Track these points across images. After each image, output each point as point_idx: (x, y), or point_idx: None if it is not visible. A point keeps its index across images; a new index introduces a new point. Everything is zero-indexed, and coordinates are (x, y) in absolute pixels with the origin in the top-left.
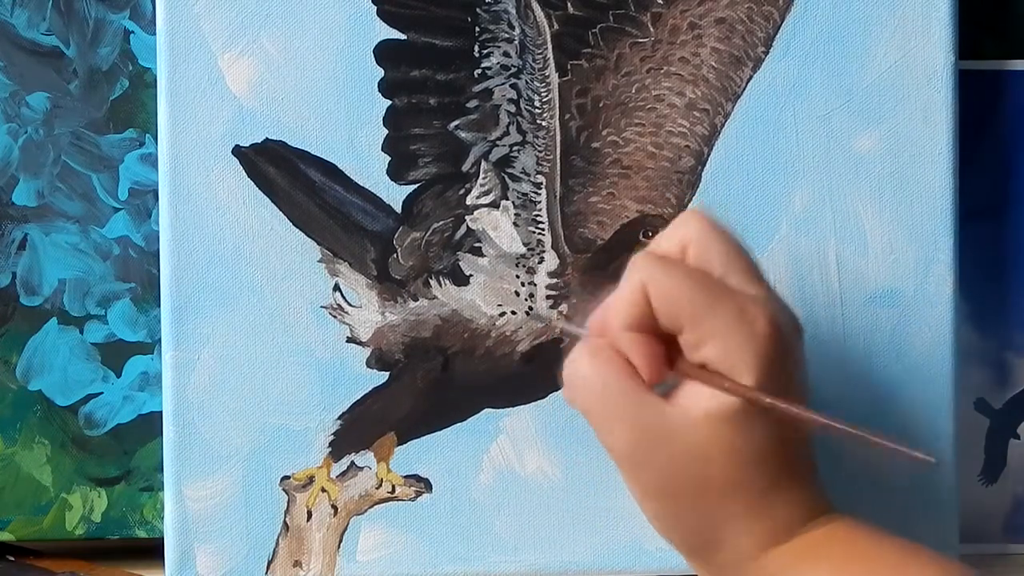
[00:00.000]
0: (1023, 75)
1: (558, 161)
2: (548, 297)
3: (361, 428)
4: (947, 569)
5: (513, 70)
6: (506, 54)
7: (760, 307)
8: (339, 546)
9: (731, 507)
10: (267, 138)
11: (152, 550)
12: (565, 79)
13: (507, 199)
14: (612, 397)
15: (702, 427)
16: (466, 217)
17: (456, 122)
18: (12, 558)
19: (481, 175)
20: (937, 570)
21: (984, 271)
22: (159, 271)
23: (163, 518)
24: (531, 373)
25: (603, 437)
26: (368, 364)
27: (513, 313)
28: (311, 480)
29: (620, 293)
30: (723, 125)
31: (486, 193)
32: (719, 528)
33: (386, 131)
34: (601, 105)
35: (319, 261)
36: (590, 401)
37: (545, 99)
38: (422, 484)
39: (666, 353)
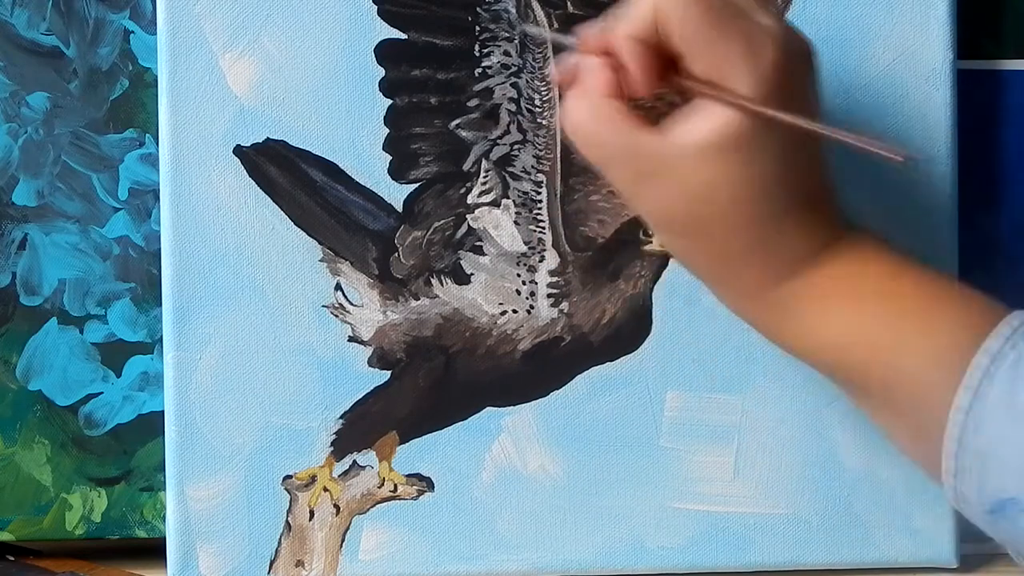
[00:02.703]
0: (1021, 75)
1: (559, 160)
2: (549, 296)
3: (363, 427)
4: (971, 307)
5: (513, 69)
6: (506, 53)
7: (771, 34)
8: (341, 545)
9: (742, 239)
10: (268, 138)
11: (152, 550)
12: None
13: (508, 198)
14: (607, 138)
15: (699, 160)
16: (467, 216)
17: (457, 121)
18: (12, 558)
19: (482, 174)
20: (961, 309)
21: (984, 270)
22: (159, 271)
23: (163, 518)
24: (533, 372)
25: (612, 179)
26: (370, 363)
27: (514, 312)
28: (313, 479)
29: (629, 8)
30: None
31: (487, 192)
32: (732, 261)
33: (387, 130)
34: None
35: (320, 260)
36: (587, 146)
37: (545, 98)
38: (424, 483)
39: (663, 67)
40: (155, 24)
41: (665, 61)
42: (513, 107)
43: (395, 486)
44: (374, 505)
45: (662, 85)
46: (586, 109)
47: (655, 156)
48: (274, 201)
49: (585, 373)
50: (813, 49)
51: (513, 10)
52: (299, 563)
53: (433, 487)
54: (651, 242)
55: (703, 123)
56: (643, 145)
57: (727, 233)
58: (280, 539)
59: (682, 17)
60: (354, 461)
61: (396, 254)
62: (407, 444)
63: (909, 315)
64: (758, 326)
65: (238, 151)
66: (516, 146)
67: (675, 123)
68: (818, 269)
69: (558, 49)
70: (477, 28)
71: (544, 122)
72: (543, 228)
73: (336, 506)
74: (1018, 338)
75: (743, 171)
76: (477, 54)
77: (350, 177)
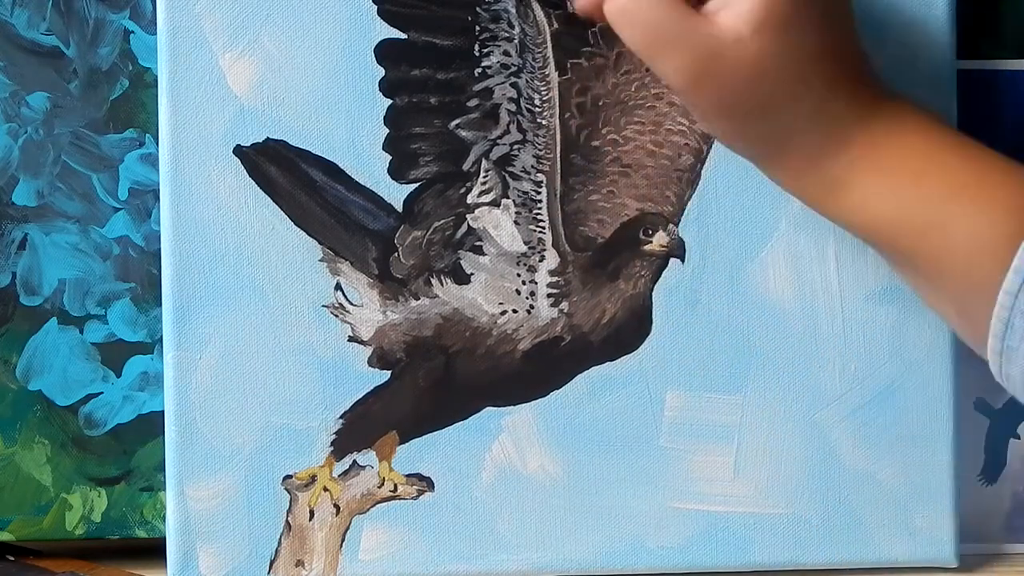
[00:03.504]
0: (1021, 75)
1: (558, 159)
2: (549, 295)
3: (363, 427)
4: (1019, 186)
5: (513, 69)
6: (506, 53)
7: None
8: (341, 545)
9: (793, 114)
10: (268, 138)
11: (152, 550)
12: (565, 78)
13: (508, 197)
14: (659, 25)
15: (752, 41)
16: (467, 216)
17: (457, 121)
18: (12, 558)
19: (482, 174)
20: (1011, 186)
21: None
22: (159, 271)
23: (163, 518)
24: (533, 372)
25: (657, 67)
26: (370, 363)
27: (514, 311)
28: (313, 479)
29: None
30: None
31: (487, 192)
32: (783, 136)
33: (387, 130)
34: (601, 103)
35: (320, 260)
36: (638, 34)
37: (545, 98)
38: (424, 483)
39: None
40: (155, 24)
41: None
42: (513, 107)
43: (395, 486)
44: (374, 505)
45: None
46: None
47: (709, 40)
48: (274, 201)
49: (585, 373)
50: None
51: (513, 9)
52: (299, 563)
53: (433, 487)
54: (651, 242)
55: (749, 3)
56: (698, 29)
57: (780, 108)
58: (280, 539)
59: None
60: (354, 461)
61: (396, 254)
62: (407, 444)
63: (958, 192)
64: (811, 202)
65: (238, 151)
66: (516, 146)
67: (719, 7)
68: (870, 139)
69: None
70: (477, 28)
71: (544, 122)
72: (543, 228)
73: (336, 506)
74: None
75: (791, 44)
76: (477, 54)
77: (350, 177)
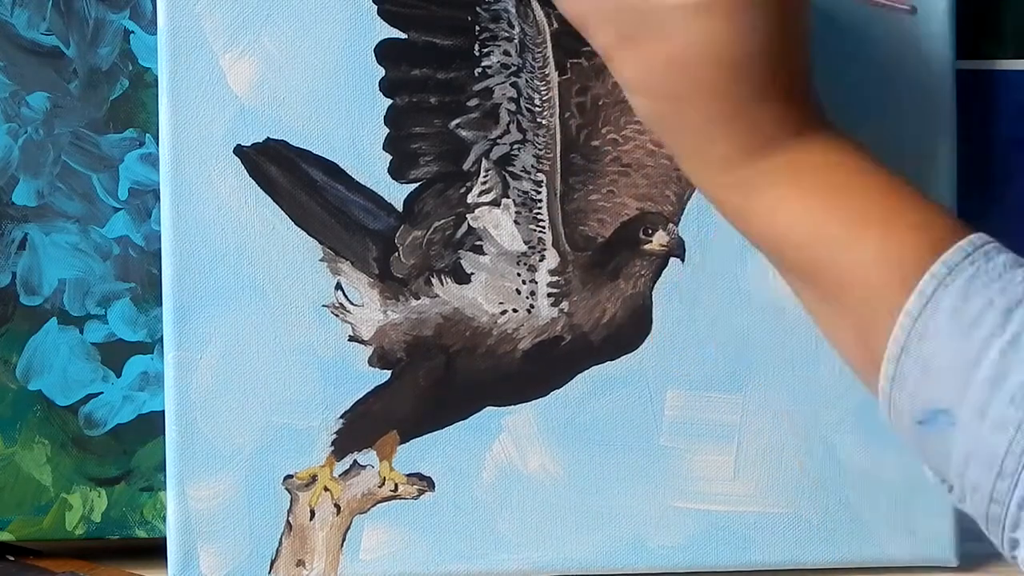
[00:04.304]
0: (1021, 75)
1: (558, 159)
2: (549, 295)
3: (363, 427)
4: (935, 219)
5: (513, 69)
6: (506, 53)
7: None
8: (342, 545)
9: (719, 108)
10: (268, 137)
11: (152, 550)
12: (565, 77)
13: (508, 197)
14: None
15: (688, 19)
16: (467, 215)
17: (457, 121)
18: (12, 558)
19: (482, 173)
20: (925, 218)
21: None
22: (159, 271)
23: (163, 518)
24: (533, 371)
25: (593, 37)
26: (370, 363)
27: (515, 311)
28: (314, 479)
29: None
30: None
31: (487, 191)
32: (706, 130)
33: (387, 130)
34: (601, 103)
35: (321, 260)
36: (578, 3)
37: (545, 97)
38: (425, 482)
39: None
40: (155, 24)
41: None
42: (513, 107)
43: (396, 485)
44: (375, 504)
45: None
46: None
47: (642, 13)
48: (274, 201)
49: (585, 372)
50: None
51: (513, 9)
52: (300, 563)
53: (434, 486)
54: (651, 241)
55: None
56: (630, 1)
57: (707, 99)
58: (281, 539)
59: None
60: (355, 461)
61: (396, 254)
62: (407, 443)
63: (871, 214)
64: (721, 205)
65: (238, 151)
66: (516, 146)
67: None
68: (788, 153)
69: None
70: (477, 28)
71: (544, 122)
72: (543, 227)
73: (337, 506)
74: (978, 256)
75: (731, 34)
76: (477, 54)
77: (350, 177)
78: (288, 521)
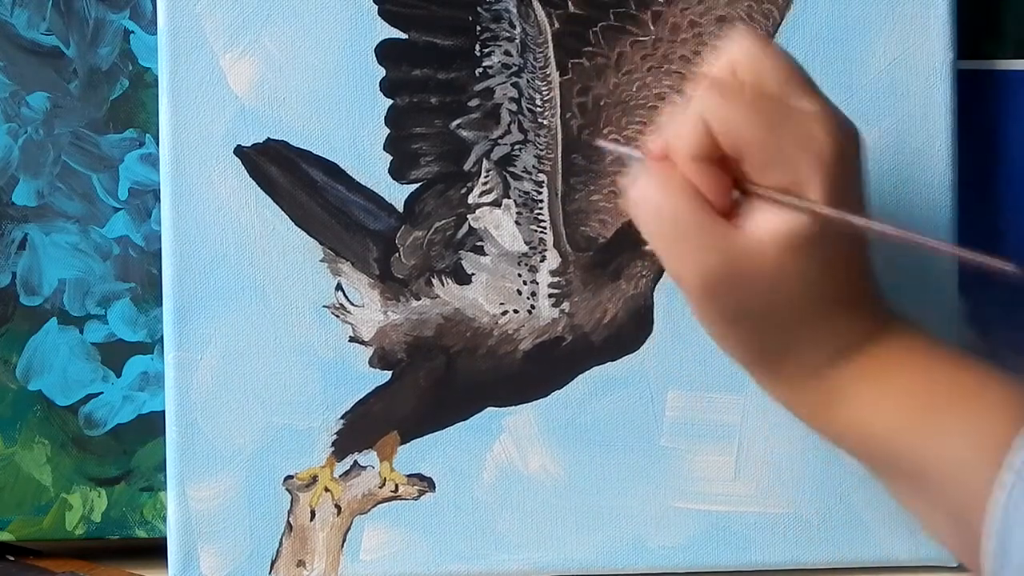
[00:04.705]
0: (1021, 75)
1: (559, 159)
2: (550, 295)
3: (364, 427)
4: (1010, 397)
5: (514, 69)
6: (507, 53)
7: (820, 123)
8: (342, 545)
9: (797, 326)
10: (269, 138)
11: (152, 550)
12: (566, 77)
13: (509, 198)
14: (684, 226)
15: (771, 252)
16: (468, 216)
17: (458, 121)
18: (12, 558)
19: (483, 174)
20: (999, 392)
21: (983, 271)
22: (159, 271)
23: (163, 518)
24: (534, 372)
25: (672, 266)
26: (371, 363)
27: (515, 312)
28: (314, 480)
29: (680, 125)
30: None
31: (488, 192)
32: (784, 347)
33: (388, 130)
34: (602, 103)
35: (321, 261)
36: (661, 230)
37: (546, 98)
38: (425, 483)
39: (731, 181)
40: (155, 24)
41: (730, 163)
42: (514, 107)
43: (396, 486)
44: (375, 505)
45: (735, 195)
46: (663, 182)
47: (732, 249)
48: (275, 201)
49: (586, 373)
50: (858, 130)
51: (514, 9)
52: (300, 563)
53: (434, 487)
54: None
55: (779, 218)
56: (722, 235)
57: (781, 324)
58: (281, 539)
59: (726, 125)
60: (355, 461)
61: (397, 254)
62: (408, 444)
63: (956, 401)
64: (803, 414)
65: (238, 151)
66: (517, 146)
67: (747, 216)
68: (861, 359)
69: (623, 162)
70: (478, 28)
71: (545, 122)
72: (544, 228)
73: (337, 506)
74: None
75: (809, 266)
76: (478, 54)
77: (351, 177)
78: (288, 522)
